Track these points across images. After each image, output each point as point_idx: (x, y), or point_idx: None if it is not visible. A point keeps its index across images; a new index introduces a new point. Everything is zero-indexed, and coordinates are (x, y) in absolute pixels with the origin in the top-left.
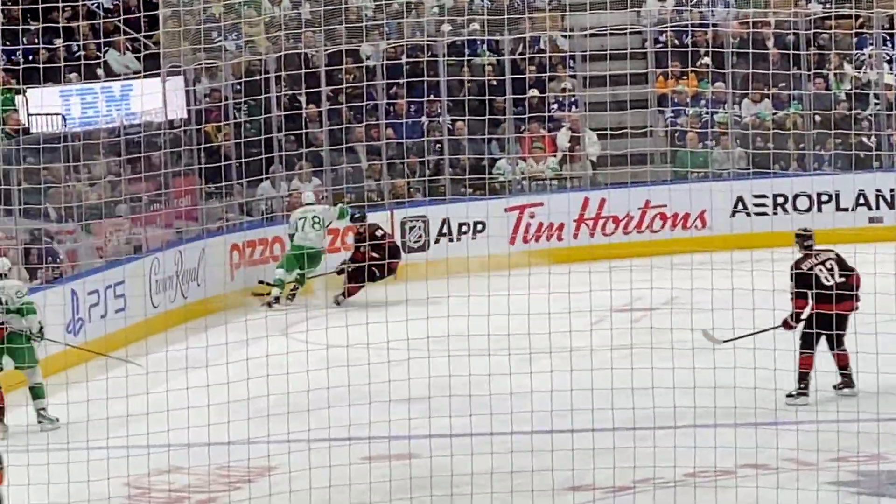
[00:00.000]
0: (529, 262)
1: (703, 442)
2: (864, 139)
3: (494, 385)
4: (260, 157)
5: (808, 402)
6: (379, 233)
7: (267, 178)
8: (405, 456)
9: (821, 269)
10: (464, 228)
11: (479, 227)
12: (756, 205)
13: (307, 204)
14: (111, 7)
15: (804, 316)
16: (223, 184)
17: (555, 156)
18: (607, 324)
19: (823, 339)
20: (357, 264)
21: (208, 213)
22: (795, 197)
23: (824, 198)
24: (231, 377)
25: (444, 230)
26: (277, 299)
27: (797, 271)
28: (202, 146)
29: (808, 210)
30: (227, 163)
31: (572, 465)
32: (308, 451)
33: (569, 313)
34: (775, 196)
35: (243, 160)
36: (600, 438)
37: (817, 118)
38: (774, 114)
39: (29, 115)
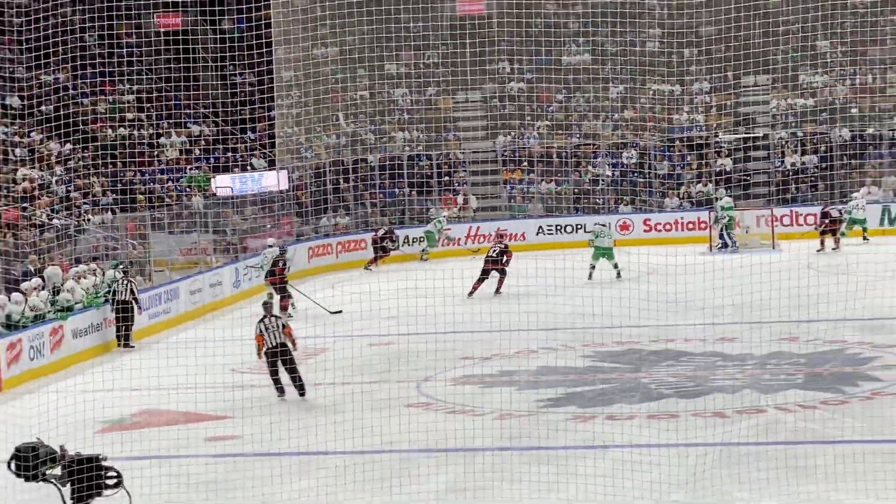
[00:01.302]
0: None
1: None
2: (597, 201)
3: (432, 312)
4: (321, 207)
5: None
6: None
7: (324, 216)
8: (387, 343)
9: (494, 249)
10: (415, 238)
11: (423, 238)
12: (548, 230)
13: (436, 220)
14: (253, 137)
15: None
16: (304, 219)
17: (457, 207)
18: (480, 285)
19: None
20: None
21: (298, 232)
22: (565, 226)
23: (578, 227)
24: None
25: (405, 240)
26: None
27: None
28: (294, 202)
29: (572, 233)
30: (306, 209)
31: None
32: (343, 342)
33: (462, 279)
34: (557, 226)
35: (312, 208)
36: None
37: (575, 190)
38: (559, 188)
39: (216, 187)
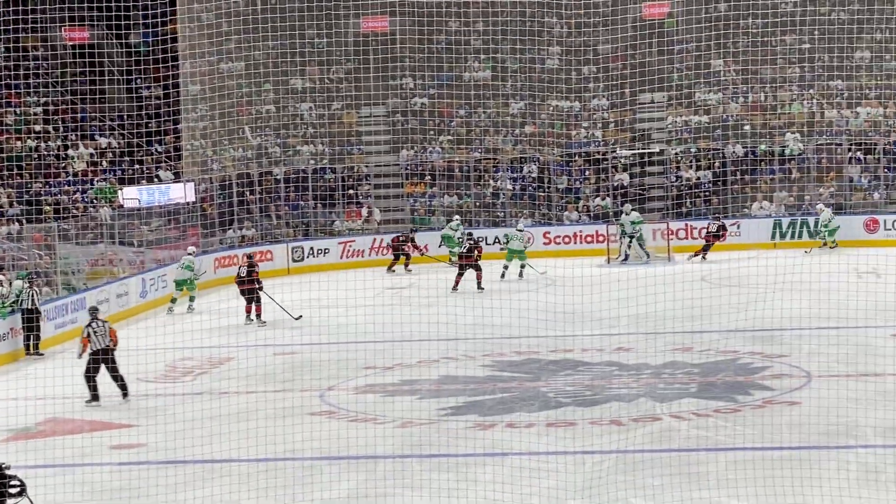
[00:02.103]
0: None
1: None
2: (498, 214)
3: (335, 322)
4: (226, 218)
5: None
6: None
7: (230, 228)
8: (291, 352)
9: (465, 245)
10: (319, 250)
11: (328, 250)
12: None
13: (450, 225)
14: (160, 149)
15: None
16: (211, 230)
17: (360, 219)
18: (382, 296)
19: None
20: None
21: (205, 243)
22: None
23: (480, 239)
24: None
25: (310, 252)
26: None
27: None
28: (201, 214)
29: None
30: (211, 222)
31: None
32: (247, 351)
33: (364, 290)
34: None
35: (218, 220)
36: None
37: (477, 204)
38: (460, 201)
39: (123, 198)
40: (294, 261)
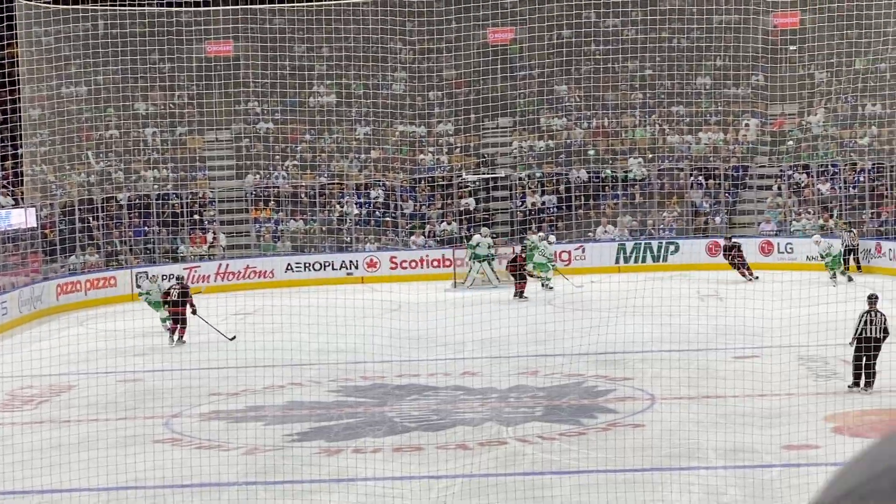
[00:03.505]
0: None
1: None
2: (345, 239)
3: (179, 349)
4: (68, 245)
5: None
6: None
7: (73, 254)
8: (135, 380)
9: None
10: (164, 276)
11: (173, 276)
12: (296, 267)
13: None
14: (0, 175)
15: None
16: (52, 257)
17: (205, 244)
18: (227, 322)
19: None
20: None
21: (46, 270)
22: (314, 263)
23: (326, 264)
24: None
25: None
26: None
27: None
28: (41, 239)
29: (320, 270)
30: (53, 248)
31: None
32: (90, 379)
33: (217, 316)
34: (306, 263)
35: (59, 246)
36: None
37: (323, 228)
38: (307, 226)
39: None
40: (138, 286)
